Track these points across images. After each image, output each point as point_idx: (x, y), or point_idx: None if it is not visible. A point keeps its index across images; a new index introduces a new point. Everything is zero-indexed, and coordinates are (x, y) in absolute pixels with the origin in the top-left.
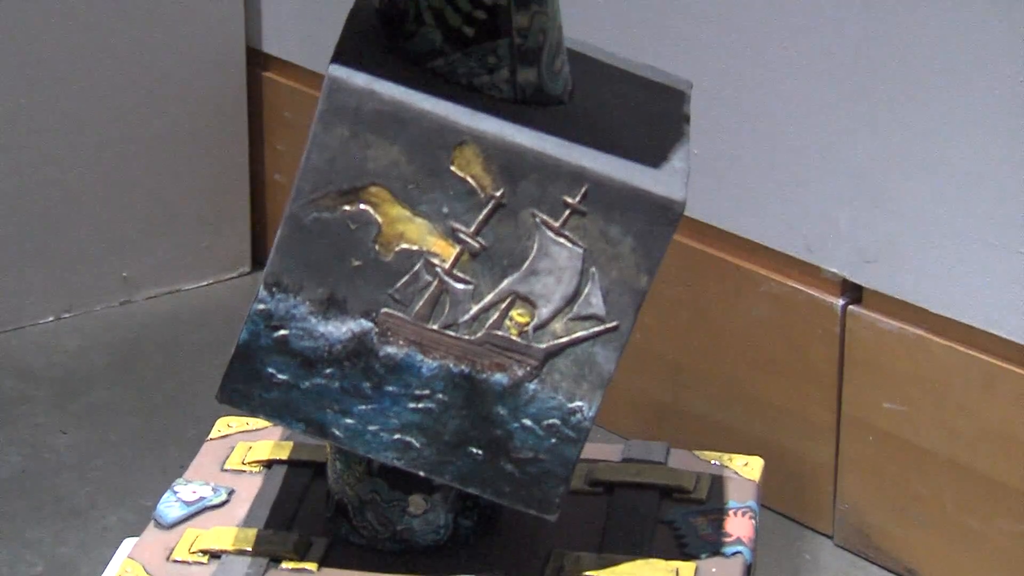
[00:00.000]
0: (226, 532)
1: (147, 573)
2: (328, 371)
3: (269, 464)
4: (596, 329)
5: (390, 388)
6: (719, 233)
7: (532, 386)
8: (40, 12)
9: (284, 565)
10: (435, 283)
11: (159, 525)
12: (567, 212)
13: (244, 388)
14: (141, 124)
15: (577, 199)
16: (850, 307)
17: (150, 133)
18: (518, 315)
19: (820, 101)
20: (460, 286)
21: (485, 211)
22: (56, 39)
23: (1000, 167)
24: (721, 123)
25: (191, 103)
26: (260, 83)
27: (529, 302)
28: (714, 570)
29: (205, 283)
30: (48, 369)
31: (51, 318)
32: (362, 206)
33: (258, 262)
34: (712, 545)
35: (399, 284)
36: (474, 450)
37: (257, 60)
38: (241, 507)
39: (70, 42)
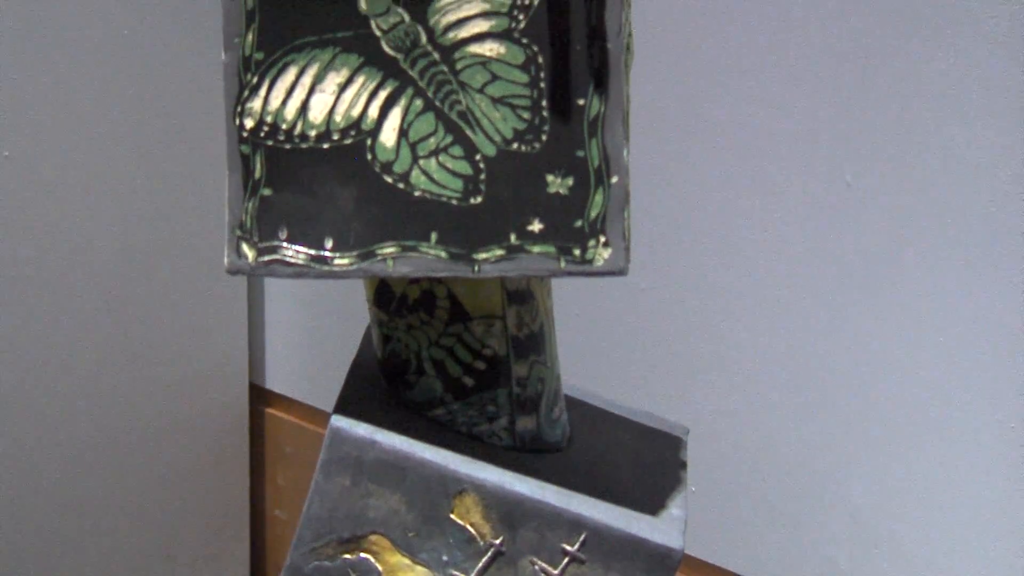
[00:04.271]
0: None
1: None
2: None
3: None
4: None
5: None
6: (717, 571)
7: None
8: (38, 344)
9: None
10: None
11: None
12: (566, 560)
13: None
14: (141, 458)
15: (576, 547)
16: None
17: (149, 468)
18: None
19: (817, 440)
20: None
21: (485, 559)
22: (51, 375)
23: (996, 509)
24: (719, 462)
25: (192, 438)
26: (262, 419)
27: None
28: None
29: None
30: None
31: None
32: (363, 555)
33: None
34: None
35: None
36: None
37: (259, 396)
38: None
39: (65, 381)
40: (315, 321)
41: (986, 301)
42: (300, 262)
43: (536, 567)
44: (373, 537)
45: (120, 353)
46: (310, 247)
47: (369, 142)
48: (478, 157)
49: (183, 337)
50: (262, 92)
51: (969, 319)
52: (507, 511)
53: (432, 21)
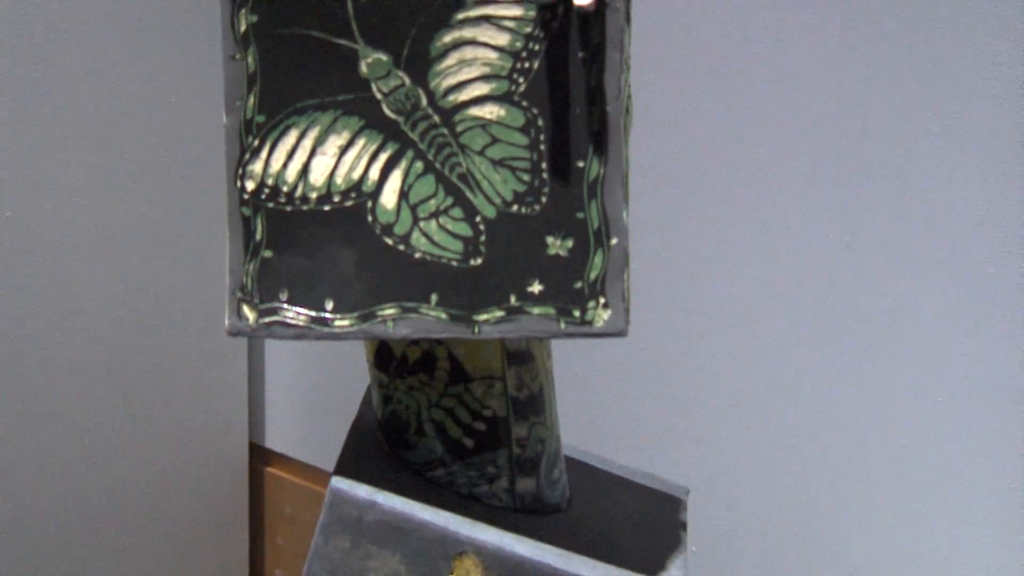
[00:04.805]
0: None
1: None
2: None
3: None
4: None
5: None
6: None
7: None
8: (40, 405)
9: None
10: None
11: None
12: None
13: None
14: (141, 517)
15: None
16: None
17: (150, 526)
18: None
19: (817, 501)
20: None
21: None
22: (53, 435)
23: (996, 570)
24: (719, 523)
25: (193, 497)
26: (262, 478)
27: None
28: None
29: None
30: None
31: None
32: None
33: None
34: None
35: None
36: None
37: (259, 455)
38: None
39: (66, 441)
40: (315, 381)
41: (986, 363)
42: (301, 324)
43: None
44: None
45: (121, 413)
46: (311, 309)
47: (370, 204)
48: (478, 219)
49: (184, 397)
50: (263, 154)
51: (969, 381)
52: (507, 573)
53: (432, 84)
